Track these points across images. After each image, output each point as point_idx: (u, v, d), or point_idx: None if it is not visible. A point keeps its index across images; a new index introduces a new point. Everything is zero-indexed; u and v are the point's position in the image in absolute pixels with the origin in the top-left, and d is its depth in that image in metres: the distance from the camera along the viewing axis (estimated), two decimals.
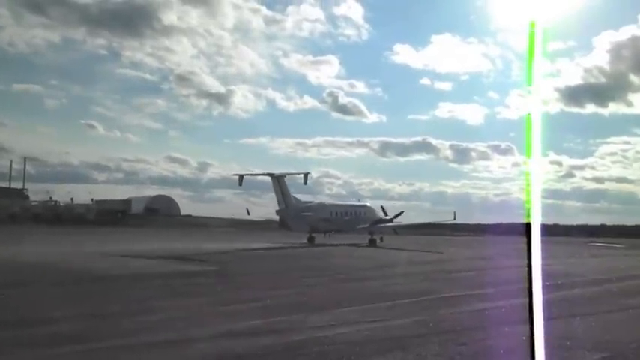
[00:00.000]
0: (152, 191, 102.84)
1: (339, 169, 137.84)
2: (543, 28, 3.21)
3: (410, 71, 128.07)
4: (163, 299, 12.29)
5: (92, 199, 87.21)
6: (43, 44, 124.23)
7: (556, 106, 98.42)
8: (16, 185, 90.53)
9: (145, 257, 23.97)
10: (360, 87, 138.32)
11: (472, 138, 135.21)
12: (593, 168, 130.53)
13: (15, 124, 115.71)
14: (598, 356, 7.63)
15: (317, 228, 46.12)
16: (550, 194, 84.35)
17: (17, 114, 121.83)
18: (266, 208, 54.32)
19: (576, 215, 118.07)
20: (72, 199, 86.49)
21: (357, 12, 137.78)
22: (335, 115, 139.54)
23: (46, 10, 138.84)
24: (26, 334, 8.43)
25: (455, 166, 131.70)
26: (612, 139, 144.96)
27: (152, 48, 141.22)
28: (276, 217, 54.21)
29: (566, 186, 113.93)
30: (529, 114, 3.26)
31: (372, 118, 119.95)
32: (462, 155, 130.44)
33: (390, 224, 48.60)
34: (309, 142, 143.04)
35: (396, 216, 49.22)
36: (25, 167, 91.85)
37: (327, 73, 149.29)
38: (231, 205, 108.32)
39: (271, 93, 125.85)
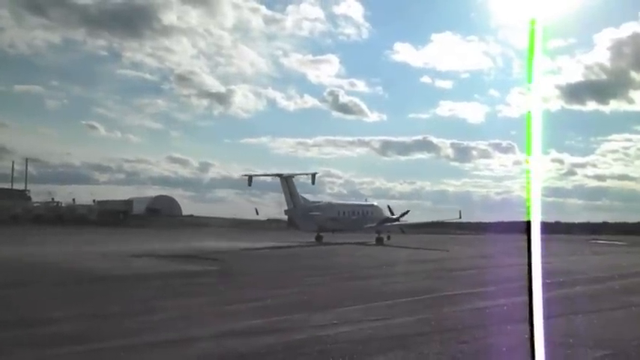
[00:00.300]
0: (153, 191, 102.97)
1: (340, 168, 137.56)
2: (544, 26, 3.20)
3: (410, 70, 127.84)
4: (168, 299, 12.30)
5: (94, 200, 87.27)
6: (43, 45, 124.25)
7: (557, 104, 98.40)
8: (18, 186, 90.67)
9: (150, 257, 24.02)
10: (361, 86, 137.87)
11: (473, 136, 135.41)
12: (594, 165, 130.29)
13: (16, 125, 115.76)
14: (600, 354, 7.62)
15: (325, 227, 46.86)
16: (551, 192, 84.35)
17: (18, 115, 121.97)
18: (267, 207, 54.83)
19: (578, 213, 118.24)
20: (74, 199, 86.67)
21: (356, 11, 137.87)
22: (335, 114, 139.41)
23: (46, 11, 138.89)
24: (27, 334, 8.45)
25: (456, 164, 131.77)
26: (614, 136, 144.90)
27: (152, 48, 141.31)
28: (277, 217, 54.96)
29: (567, 184, 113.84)
30: (530, 112, 3.25)
31: (372, 117, 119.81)
32: (463, 153, 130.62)
33: (397, 223, 49.21)
34: (309, 141, 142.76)
35: (402, 215, 49.87)
36: (26, 168, 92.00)
37: (327, 72, 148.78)
38: (232, 205, 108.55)
39: (271, 92, 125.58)
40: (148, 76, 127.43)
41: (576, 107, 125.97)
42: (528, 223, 3.23)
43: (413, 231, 54.72)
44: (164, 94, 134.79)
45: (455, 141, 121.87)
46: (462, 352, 7.59)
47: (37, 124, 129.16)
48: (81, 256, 24.15)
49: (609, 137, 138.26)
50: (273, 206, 53.95)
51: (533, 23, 3.21)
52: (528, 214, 3.23)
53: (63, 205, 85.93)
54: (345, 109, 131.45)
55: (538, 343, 3.12)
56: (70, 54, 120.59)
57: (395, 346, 7.87)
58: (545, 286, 3.17)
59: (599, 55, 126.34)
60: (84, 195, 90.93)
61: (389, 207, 51.89)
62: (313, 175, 48.22)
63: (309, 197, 49.97)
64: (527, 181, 3.29)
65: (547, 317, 3.15)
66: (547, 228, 3.46)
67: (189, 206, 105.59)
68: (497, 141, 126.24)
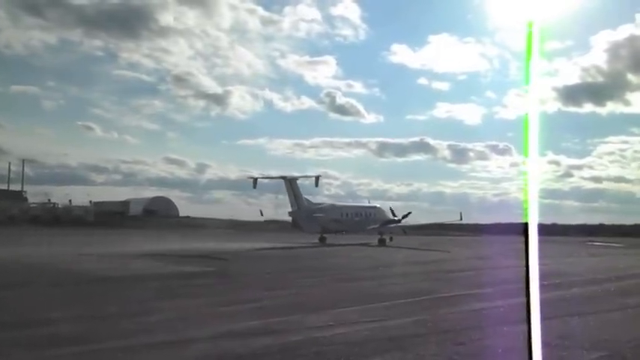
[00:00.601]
0: (150, 192, 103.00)
1: (337, 169, 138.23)
2: (541, 28, 3.21)
3: (407, 71, 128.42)
4: (166, 300, 12.28)
5: (90, 201, 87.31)
6: (40, 46, 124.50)
7: (554, 106, 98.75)
8: (15, 187, 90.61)
9: (150, 257, 23.98)
10: (358, 87, 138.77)
11: (470, 138, 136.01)
12: (591, 167, 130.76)
13: (13, 126, 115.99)
14: (596, 355, 7.63)
15: (328, 228, 47.75)
16: (548, 194, 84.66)
17: (15, 116, 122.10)
18: (264, 208, 55.32)
19: (575, 215, 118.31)
20: (70, 200, 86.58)
21: (353, 12, 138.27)
22: (332, 115, 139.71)
23: (43, 12, 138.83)
24: (24, 335, 8.42)
25: (453, 166, 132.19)
26: (610, 138, 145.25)
27: (149, 49, 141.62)
28: (275, 218, 55.44)
29: (564, 185, 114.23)
30: (527, 114, 3.26)
31: (369, 118, 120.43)
32: (460, 155, 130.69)
33: (399, 224, 49.91)
34: (307, 142, 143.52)
35: (404, 217, 50.53)
36: (23, 169, 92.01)
37: (324, 73, 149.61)
38: (229, 206, 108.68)
39: (268, 94, 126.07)
40: (144, 76, 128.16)
41: (573, 109, 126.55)
42: (525, 225, 3.24)
43: (412, 232, 55.15)
44: (161, 95, 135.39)
45: (452, 142, 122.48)
46: (459, 353, 7.59)
47: (33, 124, 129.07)
48: (78, 257, 24.09)
49: (606, 139, 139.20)
50: (270, 207, 54.57)
51: (530, 25, 3.22)
52: (525, 215, 3.24)
53: (59, 206, 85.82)
54: (342, 110, 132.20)
55: (535, 344, 3.13)
56: (66, 55, 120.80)
57: (391, 347, 7.87)
58: (542, 288, 3.18)
59: (596, 57, 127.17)
60: (80, 196, 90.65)
61: (391, 209, 52.53)
62: (317, 178, 49.59)
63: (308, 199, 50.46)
64: (525, 182, 3.30)
65: (544, 319, 3.15)
66: (544, 230, 3.46)
67: (186, 207, 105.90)
68: (494, 143, 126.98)
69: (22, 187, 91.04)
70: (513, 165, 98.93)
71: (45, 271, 18.43)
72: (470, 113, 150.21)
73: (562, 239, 56.26)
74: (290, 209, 48.52)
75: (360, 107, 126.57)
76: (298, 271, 20.47)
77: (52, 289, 14.04)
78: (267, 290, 14.18)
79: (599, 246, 51.54)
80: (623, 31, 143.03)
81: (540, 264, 3.19)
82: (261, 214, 53.77)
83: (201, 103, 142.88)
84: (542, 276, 3.17)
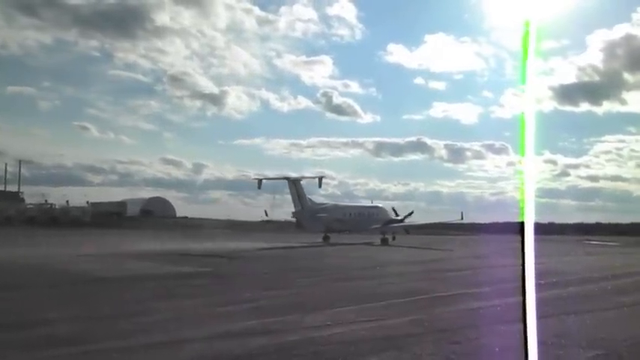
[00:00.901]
0: (147, 193, 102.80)
1: (334, 169, 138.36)
2: (537, 27, 3.22)
3: (404, 71, 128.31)
4: (163, 300, 12.26)
5: (87, 202, 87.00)
6: (35, 46, 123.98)
7: (550, 105, 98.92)
8: (12, 188, 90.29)
9: (151, 258, 23.94)
10: (354, 87, 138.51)
11: (467, 137, 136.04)
12: (587, 166, 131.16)
13: (9, 127, 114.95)
14: (592, 354, 7.65)
15: (331, 228, 48.71)
16: (545, 193, 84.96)
17: (10, 116, 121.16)
18: (260, 209, 56.28)
19: (571, 214, 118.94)
20: (67, 201, 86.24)
21: (350, 12, 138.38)
22: (329, 115, 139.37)
23: (38, 12, 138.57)
24: (21, 336, 8.40)
25: (450, 165, 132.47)
26: (607, 137, 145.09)
27: (145, 49, 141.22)
28: (272, 218, 55.97)
29: (561, 184, 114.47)
30: (523, 113, 3.26)
31: (366, 118, 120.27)
32: (456, 155, 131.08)
33: (401, 224, 50.69)
34: (303, 142, 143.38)
35: (407, 216, 51.47)
36: (19, 170, 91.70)
37: (320, 73, 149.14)
38: (226, 207, 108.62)
39: (265, 94, 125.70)
40: (140, 77, 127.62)
41: (569, 108, 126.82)
42: (522, 224, 3.24)
43: (411, 232, 55.60)
44: (157, 95, 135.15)
45: (448, 142, 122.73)
46: (455, 352, 7.60)
47: (29, 125, 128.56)
48: (75, 258, 24.00)
49: (602, 138, 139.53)
50: (267, 208, 54.93)
51: (526, 25, 3.22)
52: (522, 214, 3.24)
53: (56, 206, 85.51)
54: (338, 110, 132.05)
55: (531, 343, 3.13)
56: (62, 55, 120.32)
57: (388, 346, 7.88)
58: (539, 287, 3.19)
59: (592, 56, 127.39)
60: (77, 197, 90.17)
61: (393, 209, 53.57)
62: (320, 179, 50.72)
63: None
64: (521, 181, 3.31)
65: (540, 317, 3.16)
66: (540, 229, 3.47)
67: (182, 207, 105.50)
68: (490, 142, 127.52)
69: (19, 188, 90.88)
70: (510, 164, 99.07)
71: (42, 271, 18.37)
72: (466, 113, 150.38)
73: (559, 238, 56.43)
74: (294, 209, 49.65)
75: (357, 107, 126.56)
76: (298, 271, 20.54)
77: (49, 290, 13.99)
78: (266, 290, 14.17)
79: (596, 245, 51.67)
80: (619, 30, 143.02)
81: (537, 263, 3.20)
82: (266, 214, 54.71)
83: (198, 103, 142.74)
84: (539, 275, 3.19)
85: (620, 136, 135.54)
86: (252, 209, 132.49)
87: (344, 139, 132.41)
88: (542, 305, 3.08)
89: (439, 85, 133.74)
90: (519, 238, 3.24)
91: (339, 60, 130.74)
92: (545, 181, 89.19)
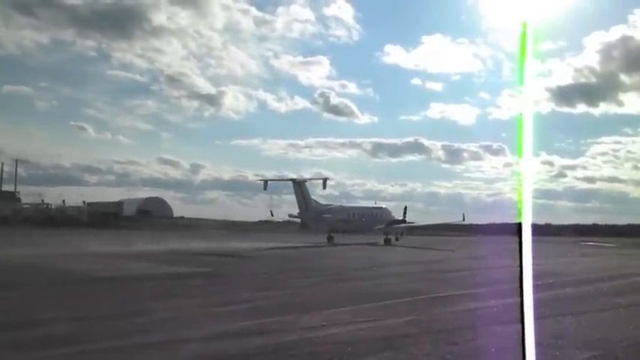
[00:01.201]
0: (144, 193, 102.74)
1: (332, 170, 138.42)
2: (534, 29, 3.22)
3: (401, 72, 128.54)
4: (161, 300, 12.24)
5: (84, 202, 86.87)
6: (32, 45, 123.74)
7: (547, 106, 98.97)
8: (8, 188, 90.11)
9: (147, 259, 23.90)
10: (352, 88, 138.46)
11: (464, 138, 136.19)
12: (584, 168, 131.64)
13: (5, 127, 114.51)
14: (588, 355, 7.67)
15: (335, 228, 49.61)
16: (542, 194, 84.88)
17: (7, 116, 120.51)
18: (257, 209, 57.27)
19: (568, 215, 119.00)
20: (64, 201, 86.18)
21: (347, 12, 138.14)
22: (326, 115, 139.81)
23: (35, 12, 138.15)
24: (18, 336, 8.38)
25: (447, 166, 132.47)
26: (603, 138, 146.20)
27: (142, 49, 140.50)
28: (269, 218, 56.60)
29: (557, 186, 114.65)
30: (520, 114, 3.26)
31: (363, 118, 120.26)
32: (453, 155, 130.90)
33: (404, 225, 52.14)
34: (301, 143, 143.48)
35: (404, 213, 53.55)
36: (16, 169, 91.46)
37: (317, 73, 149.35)
38: (223, 207, 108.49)
39: (262, 94, 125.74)
40: (138, 77, 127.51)
41: (566, 110, 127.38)
42: (519, 225, 3.25)
43: (408, 232, 56.14)
44: (154, 95, 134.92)
45: (446, 143, 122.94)
46: (452, 353, 7.60)
47: (26, 125, 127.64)
48: (73, 257, 23.95)
49: (599, 139, 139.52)
50: (263, 208, 55.82)
51: (523, 26, 3.22)
52: (519, 215, 3.24)
53: (53, 206, 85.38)
54: (336, 110, 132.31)
55: (528, 343, 3.14)
56: (59, 54, 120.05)
57: (385, 347, 7.88)
58: (536, 288, 3.19)
59: (589, 58, 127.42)
60: (74, 196, 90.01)
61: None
62: (324, 180, 51.80)
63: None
64: (518, 182, 3.31)
65: (537, 318, 3.16)
66: (537, 230, 3.48)
67: (179, 208, 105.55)
68: (487, 143, 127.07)
69: (15, 188, 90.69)
70: (507, 165, 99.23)
71: (38, 271, 18.33)
72: (464, 114, 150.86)
73: (555, 239, 56.59)
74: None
75: (354, 107, 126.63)
76: (303, 270, 20.75)
77: (45, 290, 13.93)
78: (265, 290, 14.19)
79: (593, 246, 51.88)
80: (616, 32, 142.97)
81: (534, 264, 3.20)
82: (272, 215, 55.49)
83: (195, 103, 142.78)
84: (536, 276, 3.19)
85: (617, 138, 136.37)
86: (250, 210, 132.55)
87: (341, 140, 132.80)
88: (539, 306, 3.09)
89: (436, 86, 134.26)
90: (516, 239, 3.24)
91: (337, 61, 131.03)
92: (542, 182, 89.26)
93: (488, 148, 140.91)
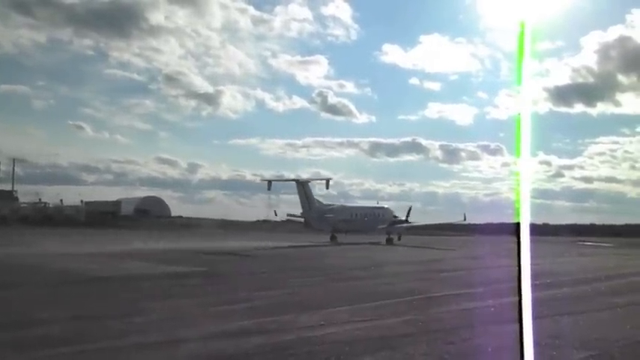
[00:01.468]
0: (142, 192, 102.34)
1: (329, 169, 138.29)
2: (532, 28, 3.22)
3: (399, 71, 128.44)
4: (159, 300, 12.22)
5: (82, 201, 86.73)
6: (29, 45, 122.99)
7: (545, 106, 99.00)
8: (5, 187, 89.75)
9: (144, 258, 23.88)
10: (350, 87, 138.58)
11: (462, 138, 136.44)
12: (582, 168, 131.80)
13: (3, 126, 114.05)
14: (585, 354, 7.69)
15: (338, 228, 50.15)
16: (539, 194, 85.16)
17: (4, 115, 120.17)
18: (255, 208, 57.55)
19: (565, 215, 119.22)
20: (61, 200, 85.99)
21: (345, 12, 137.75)
22: (324, 115, 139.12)
23: (33, 11, 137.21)
24: (15, 336, 8.36)
25: (445, 166, 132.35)
26: (601, 138, 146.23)
27: (140, 48, 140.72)
28: (267, 218, 56.97)
29: (555, 186, 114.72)
30: (518, 114, 3.27)
31: (361, 118, 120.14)
32: (451, 155, 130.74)
33: (406, 225, 52.25)
34: (299, 142, 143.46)
35: (408, 213, 53.21)
36: (13, 169, 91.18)
37: (315, 73, 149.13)
38: (221, 206, 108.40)
39: (260, 93, 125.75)
40: (135, 76, 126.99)
41: (564, 110, 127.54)
42: (517, 225, 3.25)
43: (407, 232, 56.22)
44: (152, 94, 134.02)
45: (444, 142, 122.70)
46: (449, 352, 7.61)
47: (24, 124, 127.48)
48: (70, 257, 23.91)
49: (596, 139, 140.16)
50: (261, 207, 56.14)
51: (521, 26, 3.23)
52: (517, 215, 3.25)
53: (50, 205, 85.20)
54: (333, 110, 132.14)
55: (525, 343, 3.14)
56: (56, 54, 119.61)
57: (383, 346, 7.89)
58: (533, 288, 3.19)
59: (587, 58, 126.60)
60: (72, 196, 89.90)
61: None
62: (327, 181, 52.22)
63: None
64: (516, 182, 3.31)
65: (534, 318, 3.17)
66: (535, 230, 3.48)
67: (177, 207, 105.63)
68: (485, 143, 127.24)
69: (13, 187, 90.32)
70: (505, 165, 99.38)
71: (36, 270, 18.28)
72: (461, 113, 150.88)
73: (553, 239, 56.63)
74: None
75: (352, 107, 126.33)
76: (303, 270, 20.77)
77: (43, 289, 13.92)
78: (264, 290, 14.20)
79: (590, 246, 51.96)
80: (613, 32, 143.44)
81: (532, 264, 3.20)
82: (275, 214, 55.90)
83: (193, 102, 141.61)
84: (534, 276, 3.19)
85: (614, 138, 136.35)
86: (248, 209, 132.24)
87: (339, 139, 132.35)
88: (537, 306, 3.09)
89: (434, 86, 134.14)
90: (514, 238, 3.25)
91: (335, 60, 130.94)
92: (539, 182, 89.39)
93: (485, 148, 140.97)
